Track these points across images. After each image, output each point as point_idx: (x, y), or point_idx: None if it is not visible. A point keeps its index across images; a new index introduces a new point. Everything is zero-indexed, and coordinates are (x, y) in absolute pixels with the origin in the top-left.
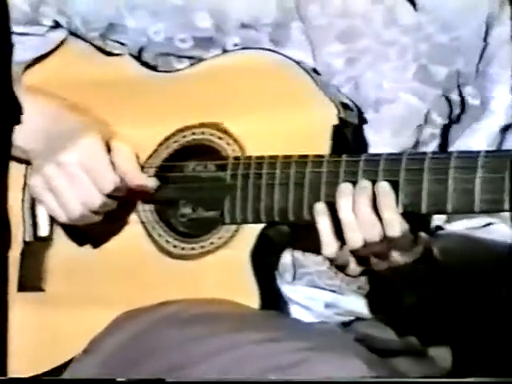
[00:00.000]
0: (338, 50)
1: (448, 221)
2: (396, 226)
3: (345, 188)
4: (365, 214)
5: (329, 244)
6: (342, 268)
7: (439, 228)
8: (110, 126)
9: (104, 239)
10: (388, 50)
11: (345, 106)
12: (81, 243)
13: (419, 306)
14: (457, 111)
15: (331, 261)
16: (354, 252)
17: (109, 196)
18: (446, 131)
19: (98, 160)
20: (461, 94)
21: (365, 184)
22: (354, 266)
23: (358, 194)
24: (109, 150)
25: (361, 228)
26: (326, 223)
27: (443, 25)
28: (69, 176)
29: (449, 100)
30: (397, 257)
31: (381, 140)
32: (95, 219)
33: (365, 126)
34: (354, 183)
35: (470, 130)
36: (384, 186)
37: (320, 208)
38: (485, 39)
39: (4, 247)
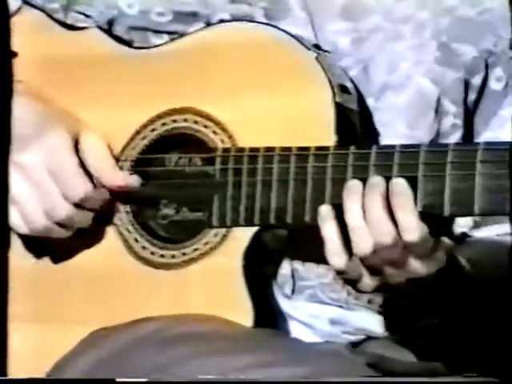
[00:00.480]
0: (343, 28)
1: (475, 226)
2: (414, 230)
3: (353, 186)
4: (376, 215)
5: (337, 253)
6: (353, 283)
7: (465, 235)
8: (78, 117)
9: (67, 255)
10: (402, 27)
11: (343, 89)
12: (38, 255)
13: (445, 326)
14: (472, 96)
15: (340, 273)
16: (364, 260)
17: (78, 206)
18: (469, 121)
19: (65, 162)
20: (486, 78)
21: (377, 180)
22: (367, 280)
23: (369, 191)
24: (77, 146)
25: (371, 231)
26: (333, 229)
27: None
28: (31, 181)
29: (467, 84)
30: (416, 265)
31: (393, 132)
32: (63, 234)
33: (375, 115)
34: (364, 180)
35: (498, 118)
36: (400, 184)
37: (325, 211)
38: None
39: (4, 247)
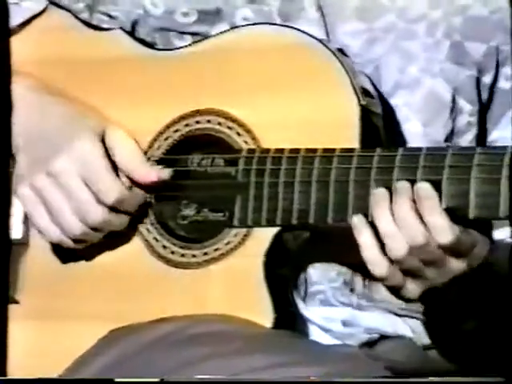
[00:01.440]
0: (357, 29)
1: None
2: (446, 232)
3: (380, 193)
4: (406, 217)
5: (377, 262)
6: (397, 291)
7: None
8: (102, 113)
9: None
10: (415, 26)
11: (366, 93)
12: (64, 260)
13: (479, 331)
14: (485, 95)
15: (383, 282)
16: (401, 264)
17: (114, 209)
18: (482, 119)
19: (97, 167)
20: (496, 76)
21: (402, 184)
22: (410, 286)
23: (397, 196)
24: (104, 143)
25: (403, 234)
26: (369, 238)
27: None
28: (64, 187)
29: (479, 83)
30: (455, 263)
31: (407, 130)
32: (97, 237)
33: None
34: (388, 182)
35: (506, 118)
36: (425, 188)
37: (358, 221)
38: None
39: (4, 246)
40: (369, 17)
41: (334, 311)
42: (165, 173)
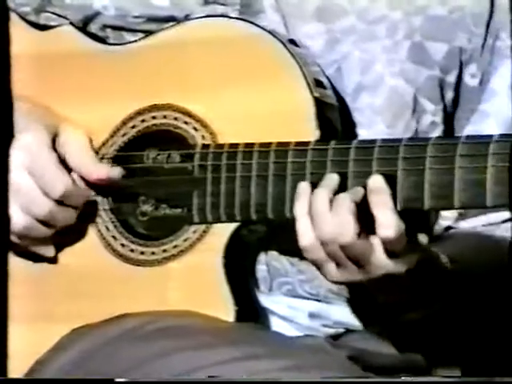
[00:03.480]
0: (317, 31)
1: (461, 218)
2: (391, 226)
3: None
4: (343, 221)
5: (305, 231)
6: (320, 268)
7: (449, 228)
8: (56, 112)
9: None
10: (375, 27)
11: (318, 84)
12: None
13: (427, 320)
14: (449, 94)
15: (305, 252)
16: (324, 246)
17: (60, 203)
18: (449, 118)
19: (43, 159)
20: (460, 75)
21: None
22: (331, 269)
23: (339, 201)
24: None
25: (334, 223)
26: (304, 208)
27: None
28: (10, 181)
29: (441, 82)
30: (382, 261)
31: (373, 132)
32: (44, 232)
33: (354, 115)
34: (344, 174)
35: (478, 115)
36: (377, 181)
37: (303, 188)
38: (491, 6)
39: (4, 246)
40: (328, 18)
41: (301, 302)
42: (115, 171)
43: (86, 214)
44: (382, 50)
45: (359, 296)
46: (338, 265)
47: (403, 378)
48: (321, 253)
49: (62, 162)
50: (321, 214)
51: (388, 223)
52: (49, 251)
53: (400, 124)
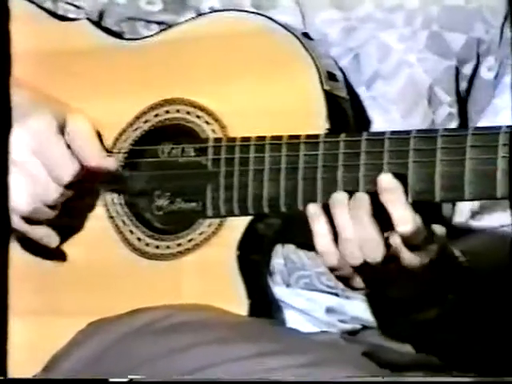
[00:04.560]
0: (334, 18)
1: (474, 216)
2: (407, 222)
3: (339, 198)
4: (365, 230)
5: (328, 252)
6: (345, 280)
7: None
8: (64, 104)
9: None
10: (392, 15)
11: (331, 77)
12: (35, 253)
13: (442, 319)
14: (464, 86)
15: (332, 270)
16: (355, 268)
17: (69, 187)
18: (463, 110)
19: (51, 144)
20: (477, 67)
21: (360, 195)
22: (359, 280)
23: (355, 206)
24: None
25: (361, 246)
26: (323, 227)
27: None
28: (18, 165)
29: (458, 73)
30: (407, 257)
31: (388, 121)
32: (49, 214)
33: (368, 105)
34: (355, 167)
35: (492, 106)
36: (387, 180)
37: (313, 210)
38: None
39: (4, 245)
40: (345, 5)
41: (319, 295)
42: (110, 161)
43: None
44: (400, 39)
45: (373, 294)
46: (365, 276)
47: (406, 378)
48: (348, 269)
49: (70, 148)
50: (345, 232)
51: (404, 219)
52: (52, 240)
53: (415, 114)
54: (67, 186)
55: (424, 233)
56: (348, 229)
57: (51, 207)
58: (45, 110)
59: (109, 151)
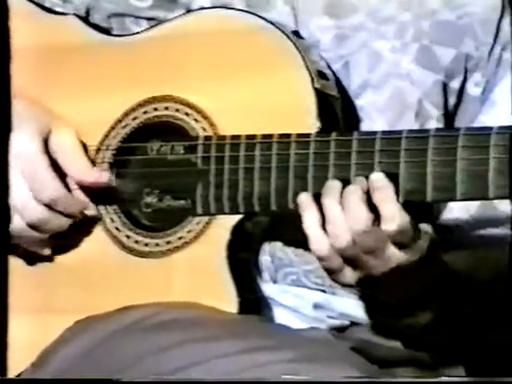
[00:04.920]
0: (327, 25)
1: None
2: (394, 219)
3: (333, 185)
4: (352, 204)
5: (318, 241)
6: (335, 275)
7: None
8: (49, 110)
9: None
10: (384, 27)
11: (321, 75)
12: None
13: (434, 322)
14: (452, 101)
15: (321, 260)
16: (341, 252)
17: (50, 207)
18: (450, 125)
19: (35, 164)
20: (464, 82)
21: (359, 178)
22: (349, 273)
23: (350, 186)
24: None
25: (347, 221)
26: (313, 216)
27: (448, 0)
28: None
29: (446, 88)
30: (395, 253)
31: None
32: (35, 236)
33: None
34: (346, 166)
35: (478, 123)
36: (379, 179)
37: (305, 199)
38: (501, 16)
39: (4, 244)
40: (338, 13)
41: (307, 292)
42: (103, 176)
43: (86, 223)
44: (391, 50)
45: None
46: (354, 267)
47: (405, 379)
48: (338, 260)
49: (55, 164)
50: (334, 221)
51: (391, 217)
52: (44, 251)
53: (401, 125)
54: (49, 207)
55: (411, 232)
56: (336, 211)
57: (35, 229)
58: (29, 124)
59: (99, 148)
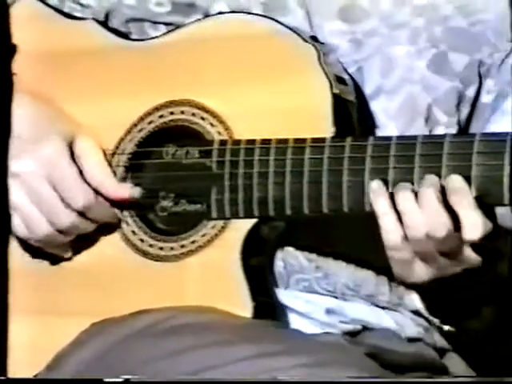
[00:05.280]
0: (340, 29)
1: None
2: (478, 227)
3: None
4: (432, 206)
5: (391, 230)
6: (404, 267)
7: None
8: (69, 117)
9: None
10: (397, 32)
11: (340, 80)
12: (34, 255)
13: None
14: (465, 109)
15: (392, 250)
16: (415, 246)
17: (81, 214)
18: (463, 131)
19: (64, 173)
20: (479, 89)
21: (431, 177)
22: (418, 269)
23: (424, 185)
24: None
25: (426, 221)
26: (386, 204)
27: (461, 7)
28: (32, 190)
29: (460, 95)
30: (470, 255)
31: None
32: (64, 240)
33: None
34: (361, 171)
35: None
36: (457, 180)
37: (377, 186)
38: None
39: (4, 244)
40: (351, 19)
41: (318, 298)
42: (135, 191)
43: (106, 226)
44: (405, 56)
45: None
46: (426, 262)
47: (405, 379)
48: (409, 251)
49: (81, 172)
50: (410, 212)
51: (473, 225)
52: (66, 254)
53: (412, 131)
54: (81, 213)
55: (492, 238)
56: (412, 203)
57: (64, 233)
58: (56, 134)
59: (114, 153)
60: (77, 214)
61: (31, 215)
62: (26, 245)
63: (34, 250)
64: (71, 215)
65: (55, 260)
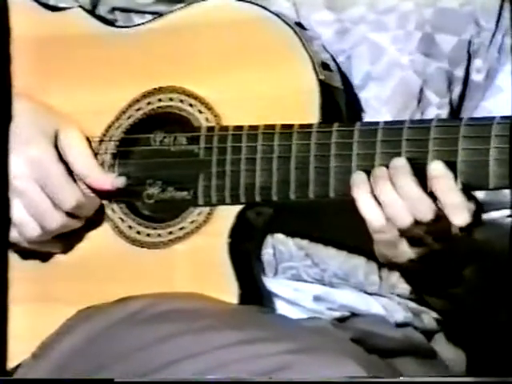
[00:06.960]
0: (327, 19)
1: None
2: (463, 212)
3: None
4: (411, 192)
5: (373, 218)
6: (391, 248)
7: None
8: (54, 110)
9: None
10: (385, 17)
11: (324, 66)
12: (24, 256)
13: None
14: (457, 89)
15: (376, 233)
16: (403, 232)
17: (71, 214)
18: (455, 113)
19: (52, 173)
20: (468, 69)
21: (402, 162)
22: (404, 248)
23: (397, 173)
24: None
25: (409, 208)
26: (366, 191)
27: None
28: (20, 192)
29: (450, 76)
30: (456, 234)
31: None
32: (53, 240)
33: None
34: (348, 156)
35: (481, 109)
36: (439, 167)
37: (357, 177)
38: (502, 3)
39: (4, 244)
40: (338, 7)
41: (306, 285)
42: (120, 181)
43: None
44: (393, 41)
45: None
46: (413, 243)
47: (403, 379)
48: (394, 232)
49: (69, 171)
50: (391, 204)
51: (458, 209)
52: (57, 248)
53: (405, 115)
54: (69, 214)
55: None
56: (392, 195)
57: (55, 233)
58: (42, 134)
59: (102, 140)
60: (66, 215)
61: (22, 220)
62: (15, 246)
63: (24, 252)
64: (61, 216)
65: (46, 258)
